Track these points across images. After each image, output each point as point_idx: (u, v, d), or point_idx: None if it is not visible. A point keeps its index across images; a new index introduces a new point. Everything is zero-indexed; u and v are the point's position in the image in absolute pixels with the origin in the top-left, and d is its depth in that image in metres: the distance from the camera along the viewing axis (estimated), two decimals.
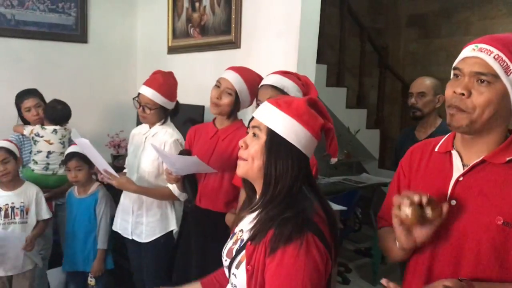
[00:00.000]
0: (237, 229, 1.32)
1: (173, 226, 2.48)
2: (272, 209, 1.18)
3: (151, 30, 4.08)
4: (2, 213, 2.51)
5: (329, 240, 1.16)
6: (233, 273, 1.25)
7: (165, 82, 2.35)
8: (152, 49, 4.08)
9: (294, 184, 1.19)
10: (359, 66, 5.34)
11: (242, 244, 1.24)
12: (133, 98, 2.39)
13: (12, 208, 2.54)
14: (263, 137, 1.22)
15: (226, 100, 2.11)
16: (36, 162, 3.01)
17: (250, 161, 1.23)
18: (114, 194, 2.71)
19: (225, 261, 1.30)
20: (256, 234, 1.17)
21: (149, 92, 2.31)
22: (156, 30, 3.97)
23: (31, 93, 3.10)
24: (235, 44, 3.04)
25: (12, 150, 2.57)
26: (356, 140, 5.04)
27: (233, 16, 3.03)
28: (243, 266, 1.20)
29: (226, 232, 1.49)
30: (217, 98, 2.11)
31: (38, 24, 3.78)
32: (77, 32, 3.98)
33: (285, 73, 1.94)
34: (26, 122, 3.13)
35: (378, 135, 5.47)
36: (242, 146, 1.25)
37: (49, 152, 3.04)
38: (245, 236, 1.24)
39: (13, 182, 2.58)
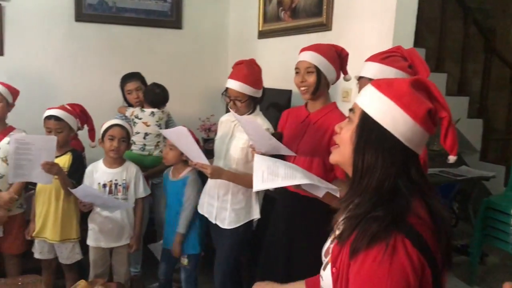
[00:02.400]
0: (341, 221, 1.17)
1: (256, 214, 2.47)
2: (360, 206, 1.05)
3: (243, 15, 4.09)
4: (107, 189, 2.66)
5: (431, 245, 0.99)
6: (321, 275, 1.16)
7: (249, 71, 2.34)
8: (242, 35, 4.09)
9: (386, 178, 1.03)
10: (462, 50, 4.96)
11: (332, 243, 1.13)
12: (222, 93, 2.42)
13: (116, 184, 2.67)
14: (355, 121, 1.09)
15: (310, 79, 2.06)
16: (134, 143, 3.14)
17: (342, 148, 1.12)
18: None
19: (324, 261, 1.20)
20: (342, 233, 1.05)
21: (236, 85, 2.31)
22: (247, 15, 3.97)
23: (134, 76, 3.26)
24: (326, 26, 2.93)
25: (129, 133, 2.71)
26: (456, 130, 4.69)
27: None
28: (329, 268, 1.10)
29: (316, 222, 1.37)
30: (302, 81, 2.08)
31: (136, 10, 3.95)
32: (172, 18, 4.10)
33: (385, 59, 1.78)
34: (130, 104, 3.30)
35: (481, 125, 5.05)
36: (338, 132, 1.15)
37: (146, 134, 3.17)
38: (337, 231, 1.11)
39: (118, 160, 2.72)
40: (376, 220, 0.99)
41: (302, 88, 2.09)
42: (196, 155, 2.32)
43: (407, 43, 2.62)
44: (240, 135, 2.37)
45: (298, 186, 1.68)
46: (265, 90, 2.45)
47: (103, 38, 3.88)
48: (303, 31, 3.17)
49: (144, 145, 3.18)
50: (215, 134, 2.70)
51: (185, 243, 2.68)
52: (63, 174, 2.56)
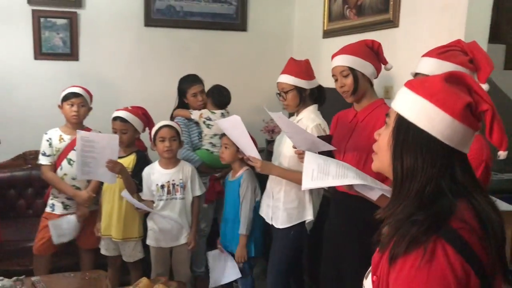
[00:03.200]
0: (384, 230, 1.10)
1: (309, 215, 2.41)
2: (400, 212, 0.98)
3: (308, 14, 4.02)
4: (165, 189, 2.71)
5: (478, 252, 0.90)
6: (363, 285, 1.10)
7: (295, 63, 2.41)
8: (307, 35, 4.02)
9: (427, 180, 0.96)
10: None
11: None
12: (276, 93, 2.45)
13: (173, 185, 2.72)
14: (391, 125, 1.03)
15: (347, 81, 2.03)
16: (214, 145, 3.19)
17: (380, 154, 1.06)
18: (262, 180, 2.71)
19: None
20: (383, 240, 1.00)
21: (282, 78, 2.40)
22: (312, 14, 3.89)
23: (198, 79, 3.29)
24: (392, 22, 2.79)
25: (179, 131, 2.75)
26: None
27: None
28: (370, 276, 1.04)
29: (370, 227, 1.27)
30: (341, 86, 2.05)
31: (202, 14, 4.01)
32: (237, 21, 4.11)
33: (442, 53, 1.67)
34: (183, 106, 3.32)
35: None
36: (376, 139, 1.09)
37: (223, 135, 3.18)
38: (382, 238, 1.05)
39: (173, 160, 2.76)
40: (415, 224, 0.92)
41: (343, 93, 2.07)
42: (249, 148, 2.36)
43: (482, 38, 2.41)
44: None
45: (350, 186, 1.59)
46: (330, 90, 2.39)
47: (170, 42, 3.97)
48: (369, 29, 3.04)
49: None
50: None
51: (239, 246, 2.66)
52: (125, 173, 2.63)
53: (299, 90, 2.38)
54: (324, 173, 1.61)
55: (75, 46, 3.72)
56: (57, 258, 2.98)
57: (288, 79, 2.37)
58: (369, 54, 2.05)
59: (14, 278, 2.29)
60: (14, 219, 3.44)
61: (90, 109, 2.98)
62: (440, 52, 1.67)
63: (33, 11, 3.59)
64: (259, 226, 2.68)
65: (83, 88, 2.97)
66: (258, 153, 2.34)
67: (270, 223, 2.48)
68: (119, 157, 2.66)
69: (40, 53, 3.65)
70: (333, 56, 2.11)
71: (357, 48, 2.06)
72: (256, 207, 2.67)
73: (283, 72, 2.42)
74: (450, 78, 1.00)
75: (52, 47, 3.68)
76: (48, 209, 2.91)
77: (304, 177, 1.66)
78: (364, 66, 2.03)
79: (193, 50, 4.03)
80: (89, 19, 3.74)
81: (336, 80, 2.09)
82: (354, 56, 2.02)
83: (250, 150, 2.35)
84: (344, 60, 2.04)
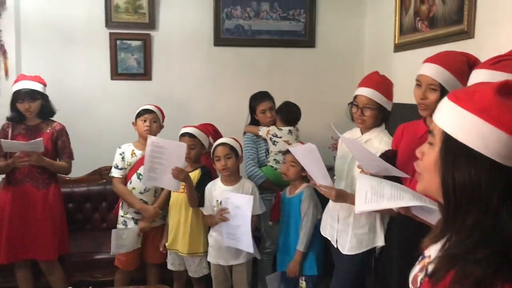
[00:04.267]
0: (427, 252, 1.00)
1: (380, 242, 2.26)
2: (457, 245, 0.87)
3: (378, 29, 3.92)
4: (224, 192, 2.70)
5: None
6: None
7: (382, 80, 2.25)
8: (377, 49, 3.91)
9: (486, 208, 0.85)
10: None
11: (424, 275, 0.96)
12: (348, 104, 2.31)
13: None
14: (437, 144, 0.92)
15: (432, 97, 1.82)
16: (277, 161, 3.17)
17: (427, 176, 0.96)
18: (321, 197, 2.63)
19: None
20: (436, 272, 0.88)
21: (367, 92, 2.21)
22: (382, 28, 3.78)
23: (267, 96, 3.30)
24: (467, 33, 2.63)
25: (235, 147, 2.75)
26: None
27: (466, 2, 2.63)
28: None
29: None
30: (422, 98, 1.85)
31: (270, 32, 4.03)
32: (305, 38, 4.10)
33: (495, 64, 1.50)
34: (255, 123, 3.34)
35: None
36: (419, 157, 0.99)
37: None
38: (430, 266, 0.93)
39: (233, 177, 2.76)
40: (479, 263, 0.81)
41: (421, 105, 1.87)
42: (321, 176, 2.22)
43: None
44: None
45: (407, 209, 1.48)
46: (400, 106, 2.27)
47: (239, 60, 4.03)
48: (442, 41, 2.89)
49: None
50: None
51: (302, 263, 2.59)
52: (189, 182, 2.67)
53: (381, 109, 2.24)
54: (379, 195, 1.52)
55: (149, 66, 3.88)
56: None
57: (374, 95, 2.20)
58: (465, 74, 1.78)
59: None
60: (89, 232, 3.61)
61: (161, 127, 3.07)
62: (492, 63, 1.51)
63: (111, 33, 3.80)
64: (321, 244, 2.61)
65: (156, 106, 3.08)
66: (331, 181, 2.22)
67: (335, 246, 2.37)
68: (187, 172, 2.70)
69: (116, 73, 3.85)
70: (426, 61, 1.90)
71: (456, 64, 1.82)
72: (317, 224, 2.60)
73: (367, 85, 2.23)
74: (503, 88, 0.87)
75: (127, 68, 3.86)
76: (120, 226, 3.01)
77: (357, 200, 1.57)
78: (455, 85, 1.80)
79: (261, 68, 4.05)
80: (161, 40, 3.89)
81: (418, 86, 1.88)
82: (450, 74, 1.80)
83: (323, 179, 2.22)
84: (438, 74, 1.81)
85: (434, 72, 1.82)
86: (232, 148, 2.72)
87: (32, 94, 2.88)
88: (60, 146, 2.99)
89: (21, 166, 2.83)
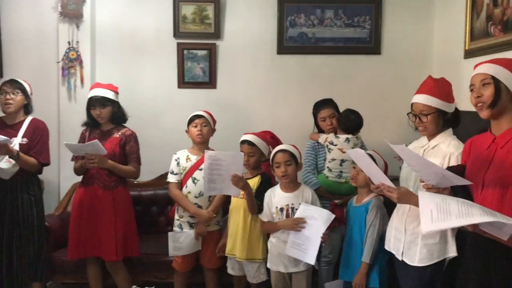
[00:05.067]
0: None
1: (452, 252, 2.15)
2: None
3: (447, 34, 3.77)
4: (284, 212, 2.71)
5: None
6: None
7: (436, 83, 2.19)
8: (447, 56, 3.76)
9: None
10: None
11: None
12: (408, 114, 2.28)
13: (292, 208, 2.71)
14: None
15: (486, 92, 1.76)
16: (330, 170, 3.14)
17: None
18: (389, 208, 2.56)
19: None
20: None
21: (421, 98, 2.18)
22: (452, 33, 3.63)
23: (327, 103, 3.28)
24: None
25: (295, 154, 2.75)
26: None
27: None
28: None
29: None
30: (478, 97, 1.78)
31: (334, 39, 4.00)
32: (370, 44, 4.02)
33: None
34: (320, 130, 3.33)
35: None
36: None
37: (342, 161, 3.12)
38: None
39: (293, 184, 2.76)
40: None
41: (478, 105, 1.79)
42: (379, 177, 2.19)
43: None
44: (433, 160, 2.13)
45: (475, 225, 1.39)
46: (470, 114, 2.17)
47: (302, 68, 4.03)
48: None
49: (341, 172, 3.13)
50: None
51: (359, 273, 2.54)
52: (249, 189, 2.70)
53: (440, 113, 2.18)
54: (445, 213, 1.43)
55: (213, 75, 3.98)
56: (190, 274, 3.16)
57: (428, 100, 2.16)
58: None
59: None
60: (155, 234, 3.72)
61: (213, 130, 3.15)
62: None
63: (178, 43, 3.94)
64: (386, 257, 2.52)
65: (204, 111, 3.16)
66: (390, 182, 2.15)
67: (401, 258, 2.28)
68: (247, 179, 2.74)
69: (183, 82, 3.99)
70: (476, 65, 1.86)
71: (506, 61, 1.80)
72: (383, 236, 2.52)
73: (421, 91, 2.21)
74: None
75: (193, 76, 3.98)
76: (176, 229, 3.10)
77: (423, 219, 1.49)
78: (508, 78, 1.74)
79: (324, 76, 4.03)
80: (226, 49, 3.98)
81: (472, 91, 1.83)
82: (502, 67, 1.76)
83: (382, 180, 2.18)
84: (488, 68, 1.78)
85: (485, 68, 1.80)
86: (292, 155, 2.72)
87: (102, 101, 3.05)
88: (128, 151, 3.14)
89: (90, 168, 2.99)
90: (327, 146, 3.18)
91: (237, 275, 2.95)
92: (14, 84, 3.02)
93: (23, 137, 2.99)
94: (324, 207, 2.81)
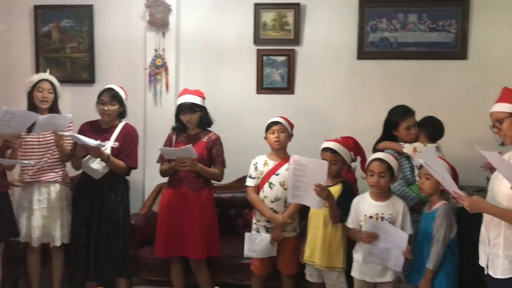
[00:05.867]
0: None
1: None
2: None
3: None
4: (373, 221, 2.68)
5: None
6: None
7: (509, 90, 2.21)
8: None
9: None
10: None
11: None
12: (490, 126, 2.26)
13: (382, 218, 2.67)
14: None
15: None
16: None
17: None
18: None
19: None
20: None
21: (495, 107, 2.22)
22: None
23: (411, 112, 3.17)
24: None
25: (392, 167, 2.70)
26: None
27: None
28: None
29: None
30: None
31: (417, 44, 3.90)
32: (456, 49, 3.87)
33: None
34: (389, 138, 3.21)
35: None
36: None
37: None
38: None
39: (384, 194, 2.72)
40: None
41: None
42: (449, 183, 2.20)
43: None
44: None
45: None
46: None
47: (383, 73, 3.96)
48: None
49: None
50: None
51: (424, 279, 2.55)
52: (332, 199, 2.69)
53: None
54: None
55: (292, 81, 4.01)
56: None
57: (502, 107, 2.18)
58: None
59: None
60: (233, 236, 3.81)
61: (291, 135, 3.16)
62: None
63: (258, 50, 4.01)
64: (452, 263, 2.54)
65: (281, 117, 3.18)
66: (460, 190, 2.17)
67: (486, 272, 2.20)
68: (327, 187, 2.73)
69: (261, 87, 4.06)
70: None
71: None
72: (450, 244, 2.53)
73: (498, 101, 2.25)
74: None
75: (272, 82, 4.04)
76: (254, 232, 3.15)
77: None
78: None
79: (406, 81, 3.93)
80: (305, 55, 4.00)
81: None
82: None
83: (451, 187, 2.19)
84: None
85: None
86: (389, 167, 2.68)
87: (192, 107, 3.18)
88: (214, 154, 3.25)
89: (181, 170, 3.13)
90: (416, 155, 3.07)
91: (316, 282, 2.95)
92: (112, 93, 3.22)
93: (115, 141, 3.18)
94: (414, 220, 2.73)
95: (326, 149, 2.87)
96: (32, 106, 3.23)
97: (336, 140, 2.91)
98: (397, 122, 3.17)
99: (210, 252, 3.25)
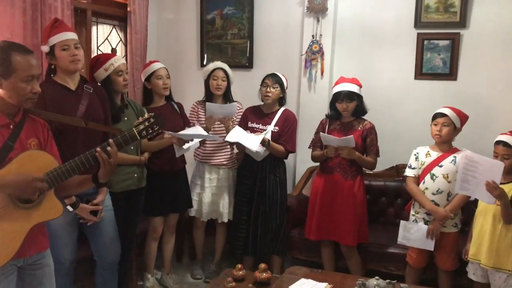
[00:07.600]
0: None
1: None
2: None
3: None
4: None
5: None
6: None
7: None
8: None
9: None
10: None
11: None
12: None
13: None
14: None
15: None
16: None
17: None
18: None
19: None
20: None
21: None
22: None
23: None
24: None
25: None
26: None
27: None
28: None
29: None
30: None
31: None
32: None
33: None
34: None
35: None
36: None
37: None
38: None
39: None
40: None
41: None
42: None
43: None
44: None
45: None
46: None
47: None
48: None
49: None
50: None
51: None
52: (505, 199, 2.53)
53: None
54: None
55: (455, 66, 3.77)
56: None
57: None
58: None
59: (388, 280, 2.50)
60: (383, 225, 3.79)
61: (457, 130, 2.99)
62: None
63: (418, 34, 3.84)
64: None
65: (452, 108, 3.01)
66: None
67: None
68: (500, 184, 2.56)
69: (420, 73, 3.88)
70: None
71: None
72: None
73: None
74: None
75: (432, 68, 3.84)
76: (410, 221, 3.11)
77: None
78: None
79: None
80: (471, 39, 3.72)
81: None
82: None
83: None
84: None
85: None
86: None
87: (349, 96, 3.19)
88: (368, 143, 3.24)
89: (333, 157, 3.20)
90: None
91: (480, 282, 2.80)
92: (275, 78, 3.39)
93: (275, 125, 3.35)
94: None
95: (499, 143, 2.68)
96: (208, 93, 3.54)
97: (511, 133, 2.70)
98: None
99: (360, 239, 3.28)
